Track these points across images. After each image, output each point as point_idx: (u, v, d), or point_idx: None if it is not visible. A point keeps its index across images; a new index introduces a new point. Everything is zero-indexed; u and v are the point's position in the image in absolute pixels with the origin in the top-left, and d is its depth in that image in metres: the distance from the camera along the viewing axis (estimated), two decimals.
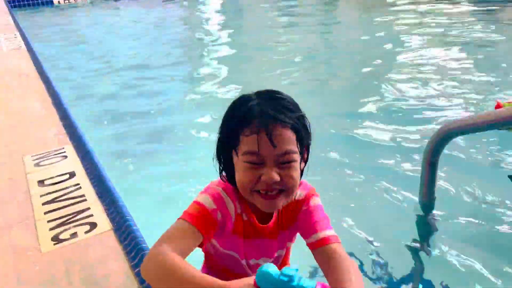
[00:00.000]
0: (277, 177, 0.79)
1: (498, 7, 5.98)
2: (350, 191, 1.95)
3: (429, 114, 2.66)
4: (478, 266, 1.44)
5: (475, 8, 6.07)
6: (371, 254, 1.54)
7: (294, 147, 0.80)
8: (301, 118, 0.84)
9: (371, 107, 2.87)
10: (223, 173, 0.90)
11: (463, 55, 3.91)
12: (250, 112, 0.83)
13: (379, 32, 4.99)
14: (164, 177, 2.14)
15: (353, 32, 5.39)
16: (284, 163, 0.80)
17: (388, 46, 4.38)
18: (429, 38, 4.57)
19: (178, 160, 2.33)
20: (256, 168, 0.80)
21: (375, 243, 1.59)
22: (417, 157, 2.00)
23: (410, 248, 1.57)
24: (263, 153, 0.79)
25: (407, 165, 2.09)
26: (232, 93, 3.29)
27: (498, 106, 2.20)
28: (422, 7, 6.36)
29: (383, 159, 2.19)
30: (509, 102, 2.22)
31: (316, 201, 0.91)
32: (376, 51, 4.25)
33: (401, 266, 1.50)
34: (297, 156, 0.82)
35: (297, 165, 0.82)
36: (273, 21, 6.59)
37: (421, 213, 1.72)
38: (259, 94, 0.88)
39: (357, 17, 6.72)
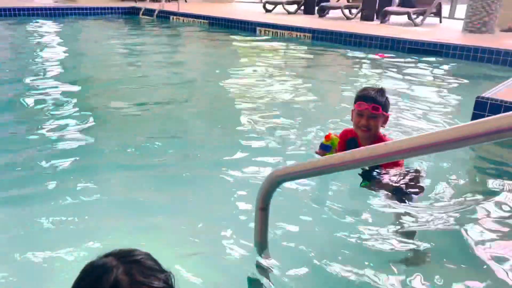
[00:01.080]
0: None
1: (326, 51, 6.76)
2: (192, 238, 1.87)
3: (263, 158, 2.63)
4: None
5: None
6: None
7: None
8: (169, 277, 0.75)
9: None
10: None
11: (293, 94, 4.23)
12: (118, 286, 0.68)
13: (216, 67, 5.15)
14: None
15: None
16: None
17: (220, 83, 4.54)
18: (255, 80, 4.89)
19: None
20: None
21: None
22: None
23: None
24: None
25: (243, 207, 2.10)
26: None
27: (327, 137, 2.29)
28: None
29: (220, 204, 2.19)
30: (336, 135, 2.35)
31: None
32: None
33: None
34: None
35: None
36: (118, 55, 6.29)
37: (257, 255, 1.72)
38: (119, 258, 0.72)
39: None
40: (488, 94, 3.06)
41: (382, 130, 2.27)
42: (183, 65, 5.87)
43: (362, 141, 2.24)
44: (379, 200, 2.08)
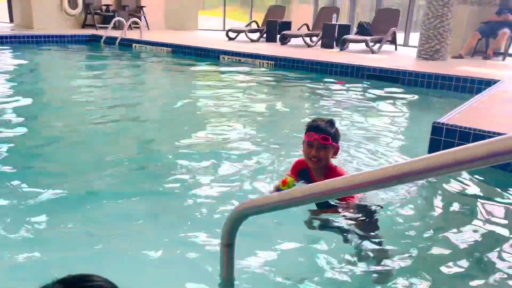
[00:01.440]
0: None
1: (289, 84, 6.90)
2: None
3: (225, 190, 2.58)
4: None
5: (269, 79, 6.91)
6: None
7: None
8: None
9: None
10: None
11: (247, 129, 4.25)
12: None
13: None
14: None
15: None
16: None
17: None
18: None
19: None
20: None
21: None
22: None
23: None
24: None
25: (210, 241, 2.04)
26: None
27: (284, 182, 2.20)
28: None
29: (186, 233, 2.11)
30: (292, 176, 2.25)
31: None
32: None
33: None
34: None
35: None
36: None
37: None
38: (66, 285, 0.66)
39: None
40: (443, 119, 3.19)
41: (333, 161, 2.29)
42: (147, 93, 5.80)
43: (313, 172, 2.25)
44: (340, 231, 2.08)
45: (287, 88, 6.36)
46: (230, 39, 10.92)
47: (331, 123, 2.22)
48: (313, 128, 2.19)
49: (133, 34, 10.27)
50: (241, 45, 9.57)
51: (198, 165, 2.93)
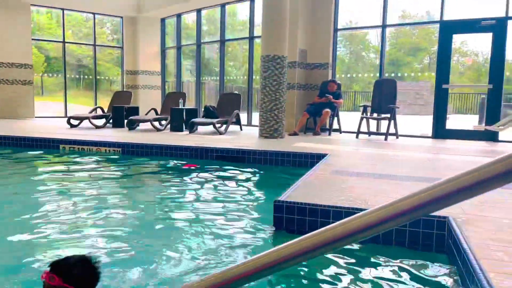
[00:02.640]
0: None
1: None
2: None
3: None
4: None
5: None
6: None
7: None
8: None
9: None
10: None
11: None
12: None
13: None
14: None
15: None
16: None
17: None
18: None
19: None
20: None
21: None
22: None
23: None
24: None
25: None
26: None
27: None
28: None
29: None
30: None
31: None
32: None
33: None
34: None
35: None
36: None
37: None
38: None
39: None
40: (283, 197, 3.41)
41: None
42: None
43: None
44: None
45: (137, 176, 6.13)
46: (73, 126, 10.29)
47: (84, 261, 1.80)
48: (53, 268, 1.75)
49: None
50: (84, 132, 9.06)
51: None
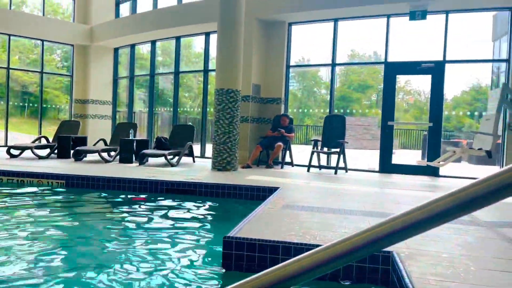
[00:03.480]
0: None
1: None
2: None
3: None
4: None
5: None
6: None
7: None
8: None
9: None
10: None
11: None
12: None
13: None
14: None
15: None
16: None
17: None
18: None
19: None
20: None
21: None
22: None
23: None
24: None
25: None
26: None
27: None
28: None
29: None
30: None
31: None
32: None
33: None
34: None
35: None
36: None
37: None
38: None
39: None
40: (233, 233, 3.35)
41: None
42: None
43: None
44: None
45: (79, 209, 5.81)
46: (13, 156, 9.69)
47: None
48: None
49: None
50: (25, 163, 8.55)
51: None
